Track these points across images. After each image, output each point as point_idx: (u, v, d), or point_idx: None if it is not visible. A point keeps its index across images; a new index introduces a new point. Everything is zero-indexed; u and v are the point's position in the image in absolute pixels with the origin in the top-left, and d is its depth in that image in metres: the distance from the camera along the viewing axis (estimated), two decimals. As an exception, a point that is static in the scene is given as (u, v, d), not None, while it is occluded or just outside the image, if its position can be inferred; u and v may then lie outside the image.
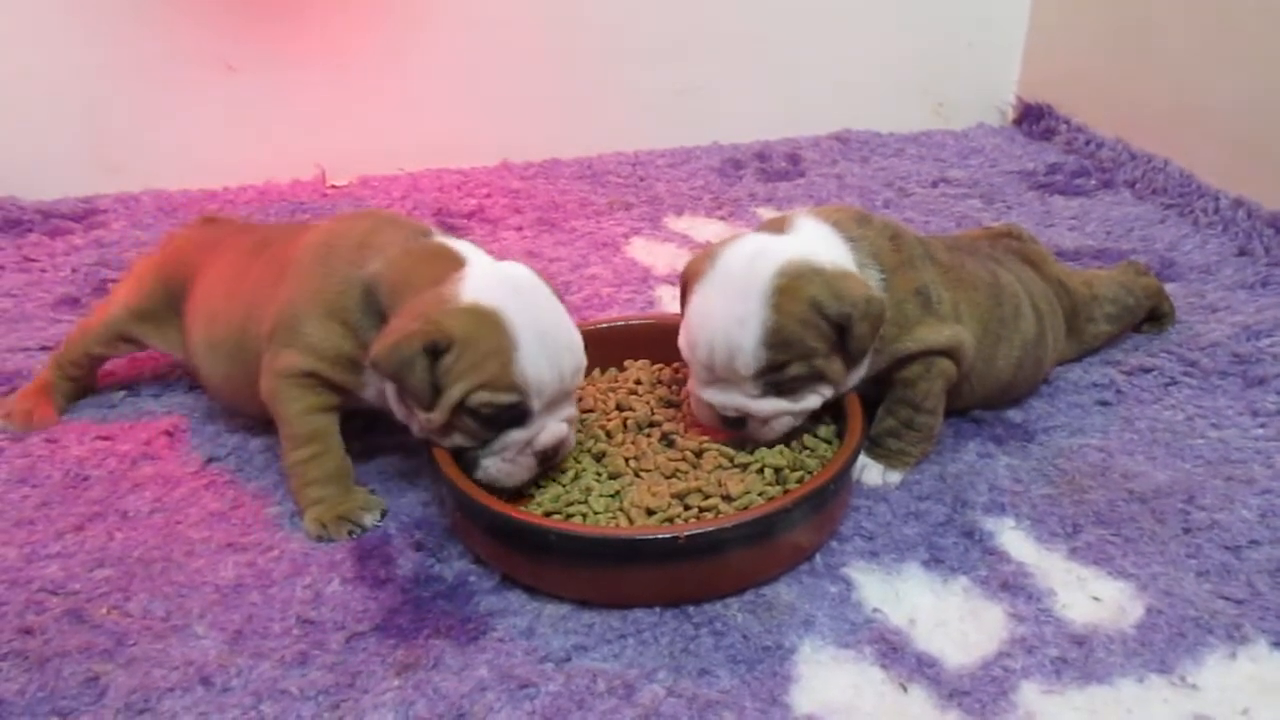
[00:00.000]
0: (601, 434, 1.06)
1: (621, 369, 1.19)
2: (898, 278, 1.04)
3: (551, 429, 0.97)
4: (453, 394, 0.93)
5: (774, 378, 0.97)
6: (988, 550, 0.96)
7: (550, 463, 1.00)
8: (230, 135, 1.93)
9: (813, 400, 1.00)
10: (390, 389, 0.99)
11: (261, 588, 0.93)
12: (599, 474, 1.01)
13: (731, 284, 0.97)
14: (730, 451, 1.01)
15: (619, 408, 1.10)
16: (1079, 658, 0.84)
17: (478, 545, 0.96)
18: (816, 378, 0.98)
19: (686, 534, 0.86)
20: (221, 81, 1.89)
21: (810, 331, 0.96)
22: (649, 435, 1.07)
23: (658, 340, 1.15)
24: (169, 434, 1.17)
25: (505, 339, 0.93)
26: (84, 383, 1.25)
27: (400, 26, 1.95)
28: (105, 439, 1.16)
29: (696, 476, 0.98)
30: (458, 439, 0.96)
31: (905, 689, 0.81)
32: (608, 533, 0.90)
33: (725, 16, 2.07)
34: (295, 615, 0.90)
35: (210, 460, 1.13)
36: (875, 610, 0.90)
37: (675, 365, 1.16)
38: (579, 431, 1.05)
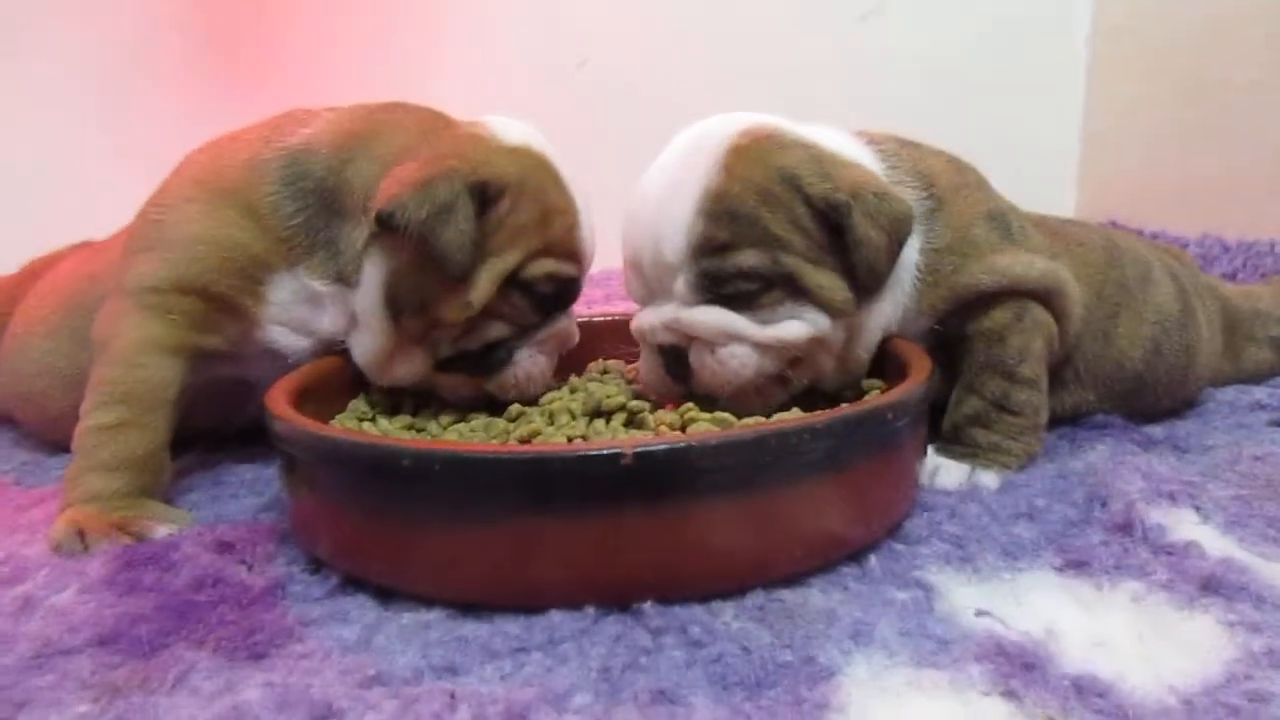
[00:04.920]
0: (541, 417, 0.71)
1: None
2: (959, 200, 0.72)
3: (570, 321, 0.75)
4: (507, 259, 0.67)
5: (713, 265, 0.64)
6: (1162, 549, 0.57)
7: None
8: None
9: (791, 327, 0.65)
10: (372, 283, 0.68)
11: (-52, 593, 0.57)
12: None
13: (680, 151, 0.68)
14: (727, 418, 0.65)
15: (572, 390, 0.76)
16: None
17: (318, 534, 0.59)
18: (786, 284, 0.64)
19: (635, 450, 0.49)
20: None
21: (774, 210, 0.63)
22: (609, 419, 0.71)
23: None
24: (-52, 451, 0.84)
25: (566, 195, 0.70)
26: None
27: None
28: None
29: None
30: (496, 330, 0.69)
31: (1059, 725, 0.41)
32: (502, 451, 0.53)
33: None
34: (-26, 625, 0.53)
35: (-19, 472, 0.79)
36: (981, 614, 0.50)
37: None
38: (507, 421, 0.71)
